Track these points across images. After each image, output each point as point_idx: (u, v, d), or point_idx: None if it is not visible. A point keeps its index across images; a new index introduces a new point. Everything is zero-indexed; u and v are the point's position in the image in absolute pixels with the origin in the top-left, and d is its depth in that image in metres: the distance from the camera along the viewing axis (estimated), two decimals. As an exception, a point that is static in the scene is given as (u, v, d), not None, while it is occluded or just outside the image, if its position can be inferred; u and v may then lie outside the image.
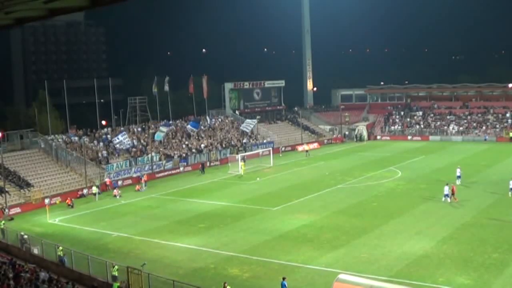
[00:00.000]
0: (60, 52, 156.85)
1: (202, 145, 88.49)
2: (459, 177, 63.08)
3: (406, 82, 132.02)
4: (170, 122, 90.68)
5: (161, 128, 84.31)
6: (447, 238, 43.33)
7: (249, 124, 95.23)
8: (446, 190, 55.47)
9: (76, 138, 78.55)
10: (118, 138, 77.63)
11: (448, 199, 54.80)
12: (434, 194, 59.25)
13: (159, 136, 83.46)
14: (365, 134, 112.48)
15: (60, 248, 40.80)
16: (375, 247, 42.02)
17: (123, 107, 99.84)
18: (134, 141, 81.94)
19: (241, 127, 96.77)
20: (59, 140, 77.13)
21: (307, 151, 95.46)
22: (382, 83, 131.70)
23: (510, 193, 56.43)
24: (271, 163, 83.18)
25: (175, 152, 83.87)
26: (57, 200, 63.66)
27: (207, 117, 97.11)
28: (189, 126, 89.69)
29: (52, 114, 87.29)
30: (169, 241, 46.05)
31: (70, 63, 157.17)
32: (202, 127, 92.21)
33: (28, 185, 65.29)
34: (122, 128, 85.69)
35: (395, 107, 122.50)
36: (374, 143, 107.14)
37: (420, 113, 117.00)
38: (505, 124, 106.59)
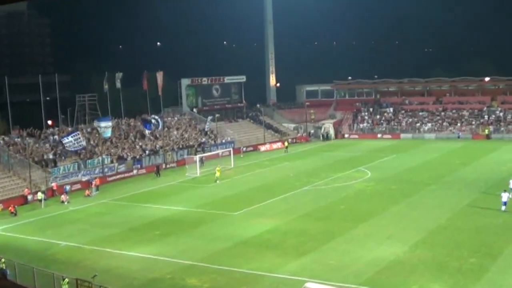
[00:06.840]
0: (0, 45, 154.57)
1: (157, 146, 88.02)
2: None
3: (376, 76, 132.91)
4: (110, 117, 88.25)
5: (95, 122, 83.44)
6: (421, 242, 43.62)
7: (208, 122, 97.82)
8: (505, 197, 51.31)
9: (19, 140, 77.53)
10: (67, 138, 76.82)
11: (503, 207, 51.26)
12: (406, 195, 59.93)
13: (105, 132, 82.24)
14: (332, 132, 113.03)
15: (2, 260, 39.99)
16: (343, 252, 42.14)
17: (71, 105, 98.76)
18: (84, 142, 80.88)
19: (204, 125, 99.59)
20: (1, 141, 76.02)
21: (286, 147, 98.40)
22: (349, 78, 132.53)
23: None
24: (232, 164, 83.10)
25: (128, 153, 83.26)
26: (-1, 207, 62.72)
27: (157, 118, 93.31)
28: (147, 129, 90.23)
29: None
30: (122, 250, 45.60)
31: (12, 58, 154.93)
32: (152, 129, 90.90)
33: (-34, 191, 64.29)
34: (71, 129, 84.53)
35: (364, 103, 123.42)
36: (342, 142, 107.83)
37: (391, 109, 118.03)
38: (482, 121, 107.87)
